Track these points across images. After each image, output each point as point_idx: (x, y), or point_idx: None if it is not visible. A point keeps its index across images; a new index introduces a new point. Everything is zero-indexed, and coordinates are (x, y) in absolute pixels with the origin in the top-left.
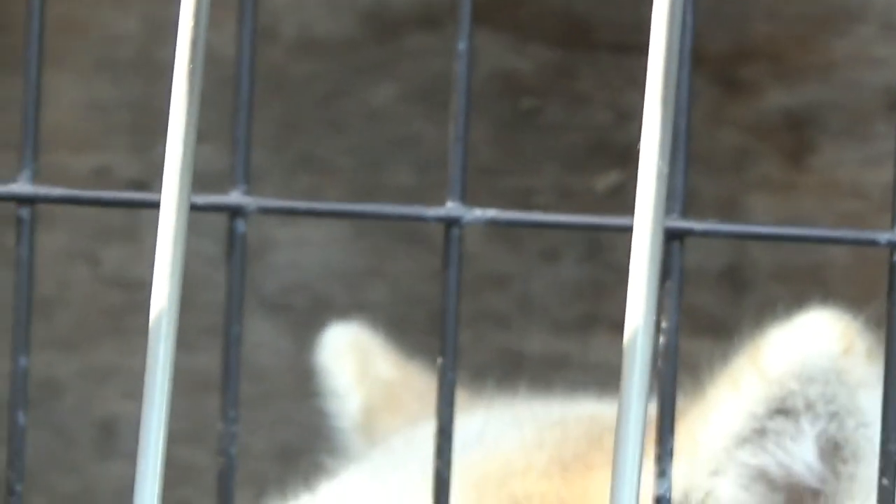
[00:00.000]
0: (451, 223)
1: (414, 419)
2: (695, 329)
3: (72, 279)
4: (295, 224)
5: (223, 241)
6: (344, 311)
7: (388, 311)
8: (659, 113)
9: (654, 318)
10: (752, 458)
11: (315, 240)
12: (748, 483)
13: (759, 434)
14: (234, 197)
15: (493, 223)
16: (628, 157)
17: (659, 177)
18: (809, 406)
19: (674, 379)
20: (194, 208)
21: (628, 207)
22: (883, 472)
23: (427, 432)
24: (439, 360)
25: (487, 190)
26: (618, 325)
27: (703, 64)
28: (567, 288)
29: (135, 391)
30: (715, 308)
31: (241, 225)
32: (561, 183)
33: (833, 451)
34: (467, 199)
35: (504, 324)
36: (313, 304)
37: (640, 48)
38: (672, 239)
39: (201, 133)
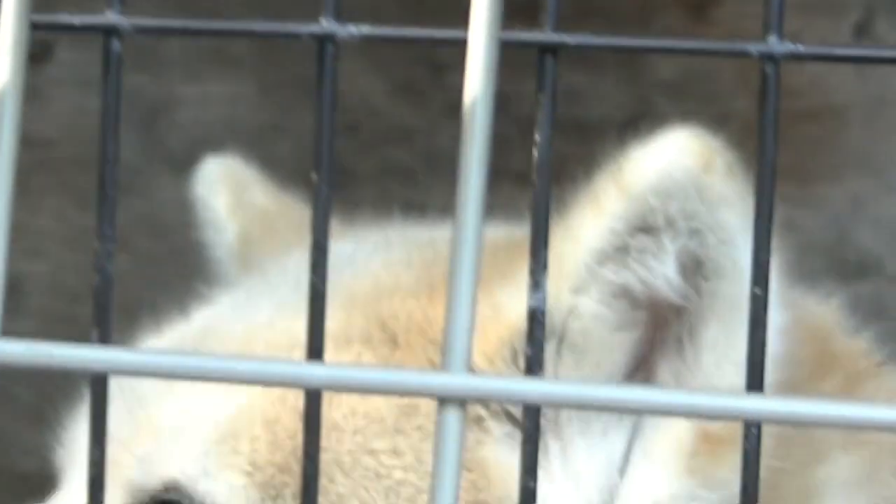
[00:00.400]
0: (324, 40)
1: (289, 247)
2: None
3: None
4: (199, 81)
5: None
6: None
7: (293, 165)
8: None
9: (490, 112)
10: (614, 274)
11: (219, 96)
12: (610, 300)
13: (620, 251)
14: (109, 17)
15: (368, 38)
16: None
17: None
18: (669, 222)
19: (547, 192)
20: (71, 29)
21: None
22: (755, 281)
23: (300, 256)
24: (314, 175)
25: (393, 44)
26: (523, 177)
27: None
28: None
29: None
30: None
31: (116, 45)
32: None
33: (695, 268)
34: (367, 53)
35: (409, 178)
36: None
37: None
38: (545, 52)
39: None
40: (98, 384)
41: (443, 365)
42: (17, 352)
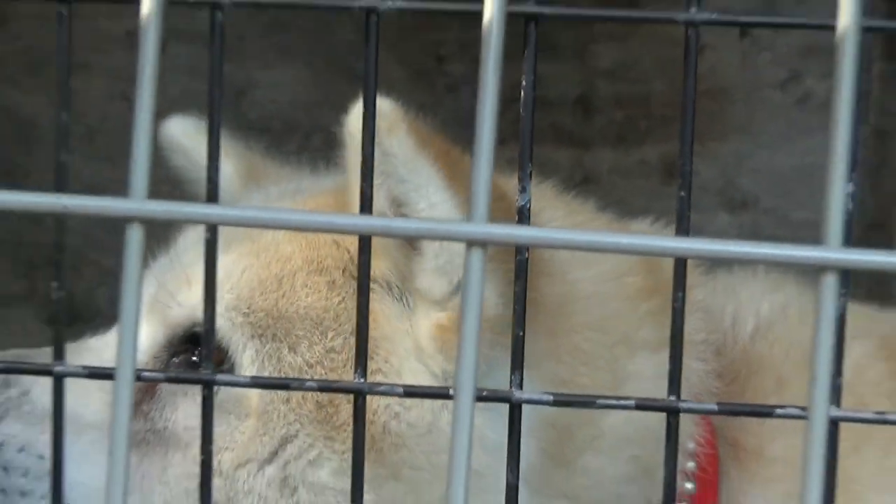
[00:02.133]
0: (370, 11)
1: (283, 182)
2: (558, 141)
3: (110, 113)
4: (271, 69)
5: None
6: (306, 131)
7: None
8: None
9: (499, 80)
10: (383, 195)
11: (285, 80)
12: (394, 211)
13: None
14: None
15: (403, 10)
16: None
17: None
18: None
19: (531, 121)
20: (184, 3)
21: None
22: (681, 187)
23: (307, 184)
24: (362, 93)
25: (407, 48)
26: (502, 141)
27: None
28: (464, 114)
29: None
30: (572, 126)
31: (219, 16)
32: (462, 40)
33: (397, 206)
34: (390, 49)
35: None
36: (284, 127)
37: None
38: (529, 20)
39: None
40: (213, 233)
41: (469, 217)
42: (159, 210)
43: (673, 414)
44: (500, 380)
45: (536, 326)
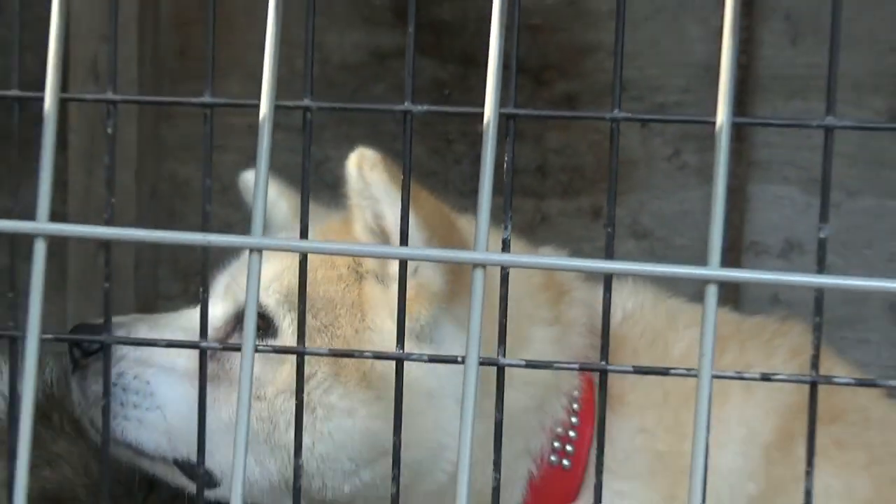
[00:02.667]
0: (406, 112)
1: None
2: (524, 194)
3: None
4: (340, 148)
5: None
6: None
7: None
8: (496, 59)
9: (491, 175)
10: (366, 213)
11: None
12: (372, 227)
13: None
14: (306, 101)
15: (427, 112)
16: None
17: (497, 74)
18: (359, 194)
19: (511, 181)
20: (284, 107)
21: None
22: (607, 225)
23: (341, 216)
24: (402, 176)
25: (426, 134)
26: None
27: (525, 71)
28: (467, 177)
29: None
30: (534, 184)
31: (309, 116)
32: (463, 129)
33: (376, 219)
34: (416, 134)
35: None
36: None
37: (506, 66)
38: (509, 119)
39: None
40: (304, 257)
41: (474, 247)
42: (271, 243)
43: (603, 374)
44: (443, 332)
45: (468, 301)
